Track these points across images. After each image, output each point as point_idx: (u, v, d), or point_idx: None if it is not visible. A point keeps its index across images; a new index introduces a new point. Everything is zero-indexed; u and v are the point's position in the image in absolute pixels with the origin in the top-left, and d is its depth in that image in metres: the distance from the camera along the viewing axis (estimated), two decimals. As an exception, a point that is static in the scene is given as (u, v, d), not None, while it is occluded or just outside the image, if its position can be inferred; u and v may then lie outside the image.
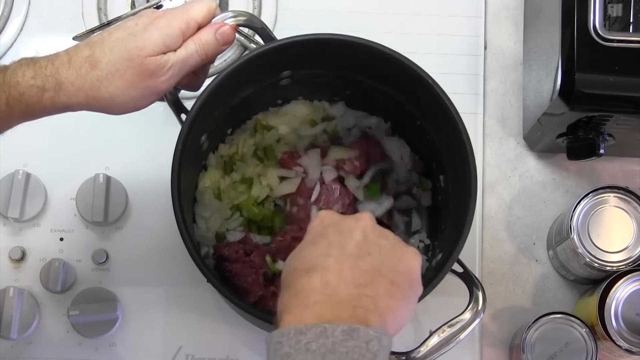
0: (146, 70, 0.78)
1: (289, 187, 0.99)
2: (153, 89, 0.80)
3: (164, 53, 0.79)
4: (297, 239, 0.79)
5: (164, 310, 1.02)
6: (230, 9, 1.10)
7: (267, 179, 0.99)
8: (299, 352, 0.62)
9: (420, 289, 0.72)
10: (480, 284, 0.82)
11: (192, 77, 0.84)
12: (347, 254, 0.69)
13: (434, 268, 0.88)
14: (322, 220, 0.74)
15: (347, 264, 0.68)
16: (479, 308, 0.81)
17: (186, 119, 0.84)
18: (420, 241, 0.99)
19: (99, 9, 1.11)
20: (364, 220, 0.73)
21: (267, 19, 1.10)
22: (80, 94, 0.78)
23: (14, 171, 1.02)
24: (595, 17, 0.89)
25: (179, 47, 0.80)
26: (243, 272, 0.93)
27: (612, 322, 0.92)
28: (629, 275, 0.93)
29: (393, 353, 0.78)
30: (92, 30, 1.05)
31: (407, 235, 0.99)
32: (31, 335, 1.01)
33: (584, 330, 0.93)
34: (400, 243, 0.73)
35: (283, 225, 0.98)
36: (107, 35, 0.79)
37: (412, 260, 0.72)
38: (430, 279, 0.82)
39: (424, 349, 0.79)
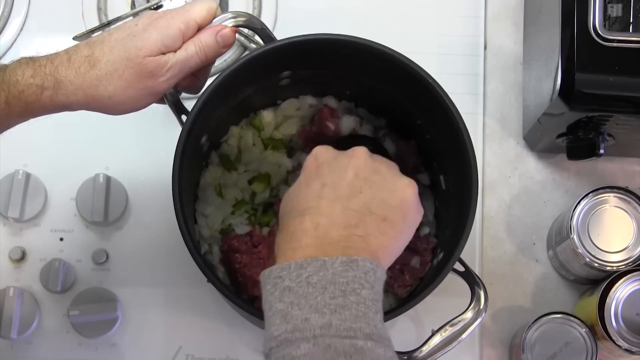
0: (145, 70, 0.78)
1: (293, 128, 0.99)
2: (152, 90, 0.80)
3: (164, 54, 0.79)
4: None
5: (164, 310, 1.02)
6: (230, 9, 1.10)
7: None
8: (300, 285, 0.64)
9: (418, 217, 0.74)
10: (482, 282, 0.82)
11: (193, 79, 0.84)
12: (339, 194, 0.70)
13: (436, 267, 0.88)
14: (317, 157, 0.75)
15: (339, 205, 0.69)
16: (481, 307, 0.81)
17: (186, 120, 0.84)
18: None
19: (99, 9, 1.11)
20: (357, 157, 0.73)
21: (267, 19, 1.10)
22: (79, 93, 0.78)
23: (14, 171, 1.02)
24: (595, 17, 0.89)
25: (179, 48, 0.80)
26: (252, 263, 0.93)
27: (612, 322, 0.92)
28: (629, 275, 0.93)
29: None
30: (92, 30, 1.05)
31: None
32: (31, 335, 1.01)
33: (584, 330, 0.93)
34: (393, 175, 0.73)
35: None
36: (107, 36, 0.80)
37: (404, 190, 0.72)
38: (432, 278, 0.82)
39: (426, 349, 0.79)
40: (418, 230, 0.91)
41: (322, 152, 0.76)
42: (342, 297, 0.63)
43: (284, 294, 0.64)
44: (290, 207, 0.72)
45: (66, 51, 0.79)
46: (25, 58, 0.78)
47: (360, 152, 0.74)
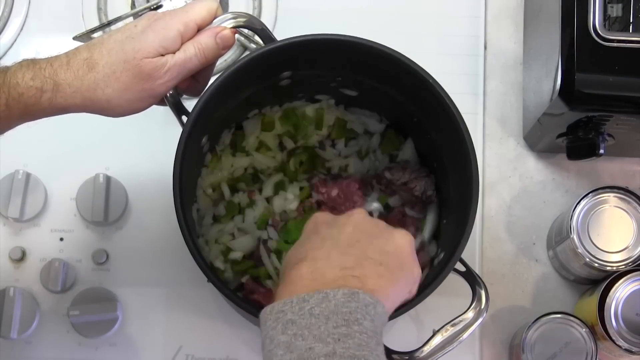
0: (142, 72, 0.78)
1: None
2: (150, 92, 0.79)
3: (162, 55, 0.79)
4: None
5: (164, 310, 1.02)
6: (230, 9, 1.10)
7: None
8: (303, 317, 0.65)
9: (415, 269, 0.75)
10: (483, 282, 0.82)
11: (192, 81, 0.84)
12: (337, 244, 0.72)
13: (436, 267, 0.88)
14: (316, 219, 0.78)
15: (336, 251, 0.71)
16: (482, 307, 0.81)
17: (187, 121, 0.84)
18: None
19: (99, 9, 1.11)
20: (355, 215, 0.76)
21: (267, 19, 1.10)
22: (77, 96, 0.77)
23: (14, 171, 1.03)
24: (595, 17, 0.89)
25: (178, 49, 0.80)
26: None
27: (612, 322, 0.92)
28: (629, 275, 0.93)
29: (396, 353, 0.78)
30: (92, 31, 1.05)
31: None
32: (31, 335, 1.01)
33: (584, 330, 0.94)
34: (390, 227, 0.76)
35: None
36: (106, 38, 0.79)
37: (400, 239, 0.75)
38: (432, 278, 0.82)
39: (427, 349, 0.79)
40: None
41: (321, 215, 0.79)
42: (345, 327, 0.64)
43: (287, 327, 0.65)
44: (288, 260, 0.74)
45: (66, 54, 0.79)
46: (27, 60, 0.78)
47: (358, 212, 0.77)
